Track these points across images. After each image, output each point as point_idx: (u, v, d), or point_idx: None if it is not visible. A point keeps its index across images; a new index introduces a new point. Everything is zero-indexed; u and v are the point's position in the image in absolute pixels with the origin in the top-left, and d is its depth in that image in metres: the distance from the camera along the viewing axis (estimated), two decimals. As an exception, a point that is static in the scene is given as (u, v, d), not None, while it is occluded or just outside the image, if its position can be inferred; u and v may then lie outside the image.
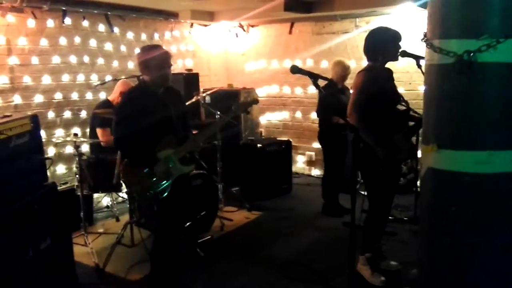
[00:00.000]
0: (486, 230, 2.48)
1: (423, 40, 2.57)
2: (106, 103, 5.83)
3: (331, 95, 5.66)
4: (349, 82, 5.33)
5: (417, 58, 4.25)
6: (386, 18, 7.14)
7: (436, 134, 2.56)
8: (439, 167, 2.55)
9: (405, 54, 4.20)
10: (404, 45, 4.17)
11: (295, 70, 3.42)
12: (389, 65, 4.23)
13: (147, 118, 3.69)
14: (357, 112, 4.00)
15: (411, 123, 4.28)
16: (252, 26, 8.93)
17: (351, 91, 4.39)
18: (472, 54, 2.29)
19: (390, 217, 5.41)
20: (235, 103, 4.50)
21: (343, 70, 5.96)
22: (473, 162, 2.41)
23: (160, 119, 3.78)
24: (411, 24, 6.64)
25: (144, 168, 3.75)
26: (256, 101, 4.57)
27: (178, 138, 3.88)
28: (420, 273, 2.89)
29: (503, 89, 2.35)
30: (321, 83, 3.55)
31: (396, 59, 4.15)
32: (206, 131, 4.19)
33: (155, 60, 3.74)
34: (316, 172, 8.40)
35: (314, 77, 3.42)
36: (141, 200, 3.88)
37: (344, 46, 7.81)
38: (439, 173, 2.56)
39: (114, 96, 5.85)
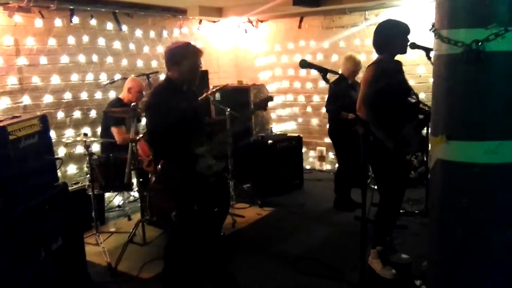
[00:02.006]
0: (497, 221, 2.46)
1: (432, 31, 2.54)
2: (118, 102, 5.85)
3: (341, 90, 5.62)
4: (360, 76, 5.28)
5: (426, 50, 4.20)
6: (395, 10, 7.09)
7: (445, 124, 2.54)
8: (448, 158, 2.53)
9: (415, 46, 4.16)
10: (413, 37, 4.14)
11: (304, 64, 3.40)
12: (398, 57, 4.20)
13: (181, 116, 3.65)
14: (367, 106, 3.97)
15: (421, 116, 4.25)
16: (261, 21, 8.89)
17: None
18: (480, 43, 2.26)
19: (401, 211, 5.41)
20: (254, 101, 4.51)
21: (354, 65, 5.93)
22: (482, 153, 2.38)
23: (191, 116, 3.78)
24: (420, 16, 6.57)
25: (186, 167, 3.73)
26: (271, 98, 4.57)
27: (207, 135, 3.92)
28: (430, 265, 2.87)
29: (511, 78, 2.32)
30: (331, 77, 3.53)
31: (404, 52, 4.12)
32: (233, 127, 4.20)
33: (187, 57, 3.71)
34: (327, 167, 8.37)
35: (323, 71, 3.39)
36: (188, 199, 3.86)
37: (354, 39, 7.76)
38: (448, 164, 2.54)
39: (124, 93, 5.86)
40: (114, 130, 5.61)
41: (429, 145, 2.84)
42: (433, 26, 2.55)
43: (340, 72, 5.86)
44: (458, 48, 2.35)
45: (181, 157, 3.74)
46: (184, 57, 3.72)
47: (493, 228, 2.47)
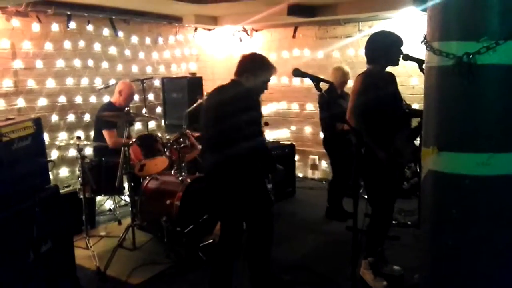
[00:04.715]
0: (488, 233, 2.46)
1: (423, 43, 2.57)
2: (110, 105, 5.85)
3: (331, 99, 5.65)
4: (350, 86, 5.32)
5: (419, 62, 4.23)
6: (388, 23, 7.13)
7: (436, 136, 2.55)
8: (439, 170, 2.54)
9: (408, 57, 4.17)
10: (406, 49, 4.17)
11: (297, 73, 3.41)
12: (392, 69, 4.24)
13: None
14: (356, 116, 4.00)
15: (414, 125, 4.27)
16: (256, 30, 8.94)
17: None
18: (471, 56, 2.28)
19: (393, 222, 5.40)
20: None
21: (342, 76, 6.02)
22: (473, 165, 2.39)
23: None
24: (414, 28, 6.63)
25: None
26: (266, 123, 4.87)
27: None
28: (422, 277, 2.88)
29: (502, 91, 2.34)
30: (323, 87, 3.55)
31: (396, 64, 4.14)
32: None
33: (264, 71, 3.80)
34: (320, 176, 8.38)
35: (316, 80, 3.41)
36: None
37: (348, 50, 7.82)
38: (439, 175, 2.54)
39: (115, 97, 5.87)
40: (105, 133, 5.61)
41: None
42: (424, 38, 2.58)
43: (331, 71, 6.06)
44: (449, 60, 2.36)
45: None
46: (261, 68, 3.79)
47: (484, 240, 2.47)
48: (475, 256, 2.50)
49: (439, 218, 2.61)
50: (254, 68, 3.77)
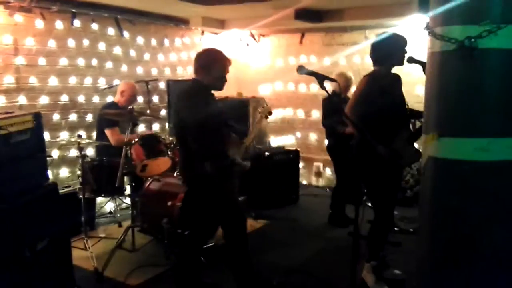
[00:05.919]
0: (487, 221, 2.40)
1: (425, 29, 2.53)
2: (113, 105, 5.80)
3: (335, 104, 5.60)
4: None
5: (424, 65, 4.18)
6: (395, 30, 7.02)
7: (437, 122, 2.50)
8: (438, 156, 2.49)
9: (412, 60, 4.15)
10: (412, 55, 4.15)
11: (301, 70, 3.36)
12: (397, 72, 4.24)
13: (221, 117, 3.89)
14: (354, 114, 3.97)
15: (417, 127, 4.25)
16: (263, 35, 8.92)
17: None
18: (473, 40, 2.25)
19: (396, 228, 5.37)
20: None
21: (346, 81, 6.06)
22: (472, 150, 2.34)
23: (225, 118, 3.98)
24: (420, 35, 6.56)
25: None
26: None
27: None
28: (420, 272, 2.81)
29: (503, 75, 2.30)
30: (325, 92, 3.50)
31: (401, 63, 4.14)
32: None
33: (218, 64, 3.81)
34: (324, 183, 8.31)
35: (320, 77, 3.35)
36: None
37: (354, 57, 7.79)
38: (439, 161, 2.49)
39: (118, 97, 5.81)
40: (108, 132, 5.54)
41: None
42: (427, 25, 2.53)
43: (333, 88, 6.01)
44: (451, 45, 2.33)
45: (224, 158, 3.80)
46: (217, 64, 3.81)
47: (484, 227, 2.41)
48: (473, 249, 2.44)
49: (439, 205, 2.56)
50: (209, 63, 3.79)
